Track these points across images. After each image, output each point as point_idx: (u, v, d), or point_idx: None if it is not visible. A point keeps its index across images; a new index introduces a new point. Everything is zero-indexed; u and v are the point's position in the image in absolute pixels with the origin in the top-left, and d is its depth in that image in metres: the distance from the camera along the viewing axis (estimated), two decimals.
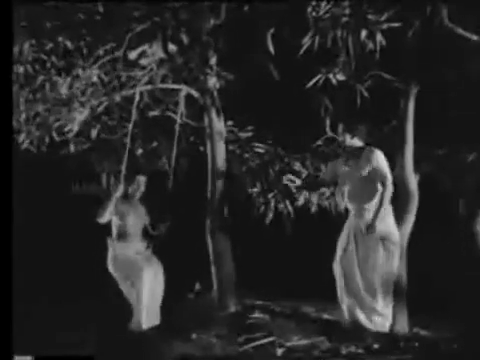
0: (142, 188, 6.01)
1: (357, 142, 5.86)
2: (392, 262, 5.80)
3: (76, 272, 7.41)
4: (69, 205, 8.08)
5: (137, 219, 5.95)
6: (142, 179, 6.00)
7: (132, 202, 5.98)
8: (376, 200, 5.76)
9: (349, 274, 5.89)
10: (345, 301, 5.89)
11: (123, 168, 5.82)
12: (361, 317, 5.79)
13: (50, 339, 5.39)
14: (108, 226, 5.90)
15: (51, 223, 8.24)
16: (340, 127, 5.89)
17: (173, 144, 6.19)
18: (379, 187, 5.76)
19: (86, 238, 7.89)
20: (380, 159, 5.75)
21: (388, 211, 5.82)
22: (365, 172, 5.77)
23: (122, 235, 5.89)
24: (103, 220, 5.82)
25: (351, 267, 5.87)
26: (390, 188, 5.72)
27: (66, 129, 5.77)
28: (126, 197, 5.96)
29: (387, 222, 5.82)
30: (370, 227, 5.72)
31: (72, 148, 6.61)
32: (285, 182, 6.48)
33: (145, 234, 6.02)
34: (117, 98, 5.81)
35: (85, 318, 6.01)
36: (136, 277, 5.67)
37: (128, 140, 5.91)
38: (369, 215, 5.78)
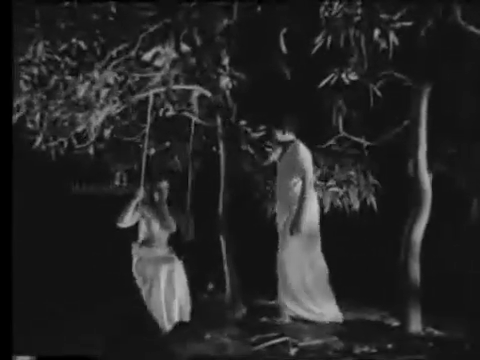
0: (165, 194, 6.07)
1: (289, 136, 5.97)
2: (319, 258, 5.95)
3: (77, 272, 7.41)
4: (71, 205, 8.07)
5: (162, 227, 6.02)
6: (164, 185, 6.06)
7: (159, 210, 6.03)
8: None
9: (283, 275, 5.96)
10: (282, 301, 6.07)
11: (142, 172, 5.83)
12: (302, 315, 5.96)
13: (52, 339, 5.40)
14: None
15: (52, 222, 8.24)
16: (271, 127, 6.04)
17: (187, 144, 6.22)
18: (300, 182, 5.79)
19: (87, 238, 7.91)
20: (303, 152, 5.83)
21: (311, 206, 5.85)
22: (289, 166, 5.83)
23: (147, 241, 6.01)
24: (123, 225, 5.88)
25: (284, 267, 5.92)
26: (309, 183, 5.76)
27: (82, 131, 5.78)
28: (153, 204, 6.04)
29: (311, 218, 5.85)
30: (294, 227, 5.74)
31: (90, 151, 6.61)
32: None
33: (170, 241, 6.09)
34: (132, 100, 5.82)
35: (88, 318, 6.02)
36: (154, 278, 5.71)
37: (145, 144, 5.92)
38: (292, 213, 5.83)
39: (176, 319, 5.70)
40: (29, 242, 7.20)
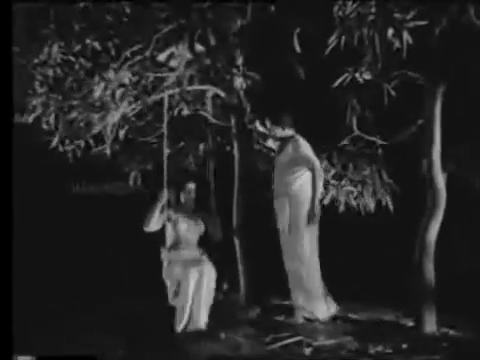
0: (193, 196, 5.99)
1: (289, 132, 5.98)
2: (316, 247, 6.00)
3: (77, 272, 7.43)
4: (71, 205, 8.08)
5: (190, 229, 5.93)
6: (192, 186, 5.98)
7: (185, 211, 5.97)
8: (308, 188, 5.85)
9: (297, 274, 6.00)
10: (297, 301, 6.05)
11: (164, 174, 5.73)
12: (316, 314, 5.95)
13: (52, 339, 5.39)
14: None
15: (52, 223, 8.26)
16: (268, 123, 6.03)
17: (201, 144, 6.23)
18: (308, 174, 5.79)
19: (88, 238, 7.94)
20: (304, 146, 5.85)
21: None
22: (291, 161, 5.85)
23: (175, 244, 5.88)
24: (149, 229, 5.77)
25: (297, 266, 5.95)
26: (319, 172, 5.79)
27: (97, 132, 5.83)
28: (179, 205, 5.97)
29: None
30: (311, 217, 5.75)
31: (107, 151, 6.65)
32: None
33: (200, 243, 6.01)
34: (148, 101, 5.85)
35: (88, 318, 6.03)
36: (182, 281, 5.59)
37: (164, 144, 5.88)
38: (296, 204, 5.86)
39: (193, 327, 5.60)
40: (29, 242, 7.23)
